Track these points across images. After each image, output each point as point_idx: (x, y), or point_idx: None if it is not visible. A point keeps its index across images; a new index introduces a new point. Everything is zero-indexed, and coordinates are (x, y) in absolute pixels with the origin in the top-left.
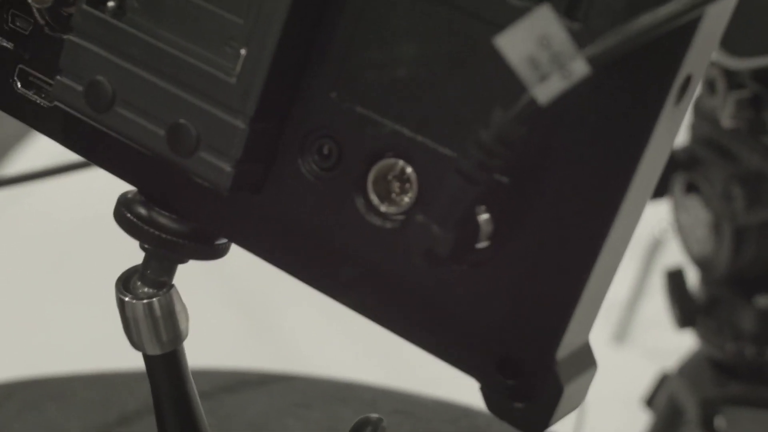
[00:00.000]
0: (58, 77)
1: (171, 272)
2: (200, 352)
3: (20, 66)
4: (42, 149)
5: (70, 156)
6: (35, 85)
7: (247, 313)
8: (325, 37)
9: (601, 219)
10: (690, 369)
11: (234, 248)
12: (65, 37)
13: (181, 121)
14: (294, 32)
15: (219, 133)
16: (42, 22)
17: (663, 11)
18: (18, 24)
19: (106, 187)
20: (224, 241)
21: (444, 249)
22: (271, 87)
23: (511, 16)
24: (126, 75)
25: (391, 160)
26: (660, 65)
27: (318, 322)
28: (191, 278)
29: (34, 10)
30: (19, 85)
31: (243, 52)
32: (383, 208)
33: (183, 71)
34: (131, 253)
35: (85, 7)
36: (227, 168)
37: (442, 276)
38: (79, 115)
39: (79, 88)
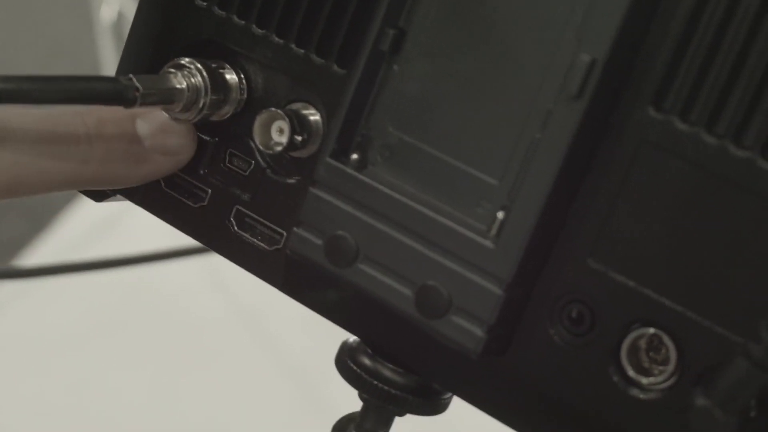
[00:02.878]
0: (296, 229)
1: (389, 424)
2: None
3: (237, 207)
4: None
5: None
6: (251, 227)
7: (297, 382)
8: (584, 201)
9: None
10: None
11: (278, 315)
12: (309, 189)
13: (431, 282)
14: (560, 197)
15: (473, 297)
16: (263, 164)
17: None
18: (236, 164)
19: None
20: (448, 395)
21: None
22: (531, 253)
23: None
24: (371, 232)
25: (648, 330)
26: None
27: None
28: (241, 348)
29: (256, 152)
30: (235, 226)
31: (500, 215)
32: (638, 378)
33: (433, 231)
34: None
35: (329, 160)
36: (479, 333)
37: None
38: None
39: (319, 241)
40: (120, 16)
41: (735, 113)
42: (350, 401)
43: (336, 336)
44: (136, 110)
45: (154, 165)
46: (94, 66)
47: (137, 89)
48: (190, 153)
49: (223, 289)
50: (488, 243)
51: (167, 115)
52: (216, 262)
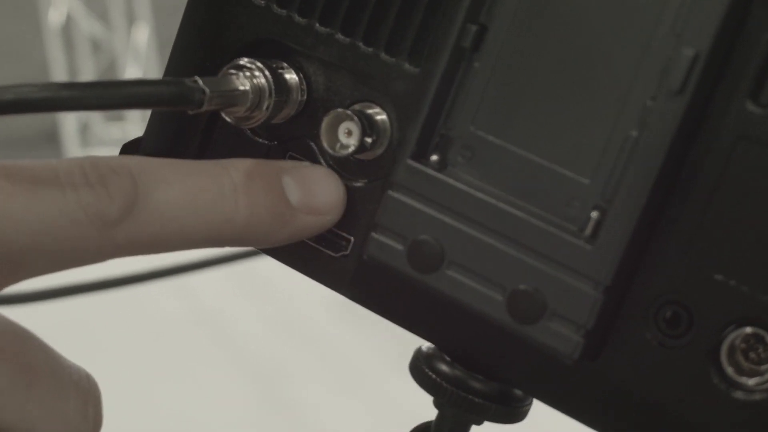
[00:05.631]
0: (374, 234)
1: None
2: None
3: None
4: None
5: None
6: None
7: (262, 386)
8: (679, 199)
9: None
10: None
11: (244, 320)
12: (388, 192)
13: (524, 286)
14: (658, 197)
15: (570, 301)
16: (327, 167)
17: None
18: None
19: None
20: (529, 402)
21: None
22: (629, 254)
23: None
24: (457, 235)
25: (749, 329)
26: None
27: (333, 396)
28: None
29: (319, 155)
30: None
31: (594, 214)
32: (740, 379)
33: (523, 232)
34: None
35: (410, 161)
36: (576, 338)
37: None
38: (398, 275)
39: (401, 246)
40: (68, 18)
41: None
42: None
43: (300, 341)
44: (283, 164)
45: (300, 225)
46: (42, 68)
47: (204, 92)
48: (340, 213)
49: (189, 296)
50: (584, 244)
51: (317, 171)
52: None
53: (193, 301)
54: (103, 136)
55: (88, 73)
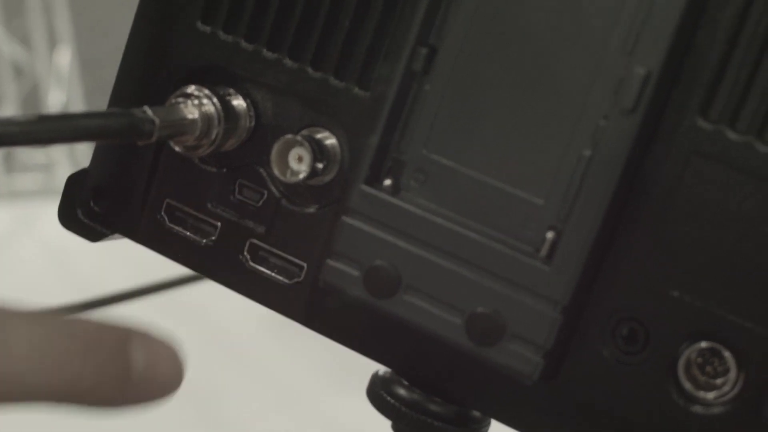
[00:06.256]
0: (330, 261)
1: None
2: None
3: (251, 240)
4: None
5: None
6: (267, 261)
7: (195, 406)
8: (631, 216)
9: None
10: None
11: (180, 340)
12: (342, 218)
13: (482, 309)
14: (612, 215)
15: (529, 322)
16: (278, 194)
17: None
18: (246, 195)
19: None
20: (486, 423)
21: None
22: (586, 273)
23: None
24: (414, 260)
25: (704, 344)
26: None
27: (267, 414)
28: None
29: (269, 182)
30: (249, 260)
31: (549, 235)
32: (698, 394)
33: (480, 255)
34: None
35: (363, 187)
36: (536, 359)
37: None
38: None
39: (357, 272)
40: None
41: None
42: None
43: (233, 358)
44: (131, 331)
45: (140, 396)
46: None
47: (153, 122)
48: (175, 390)
49: None
50: (541, 265)
51: (162, 342)
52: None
53: None
54: (27, 161)
55: (11, 98)
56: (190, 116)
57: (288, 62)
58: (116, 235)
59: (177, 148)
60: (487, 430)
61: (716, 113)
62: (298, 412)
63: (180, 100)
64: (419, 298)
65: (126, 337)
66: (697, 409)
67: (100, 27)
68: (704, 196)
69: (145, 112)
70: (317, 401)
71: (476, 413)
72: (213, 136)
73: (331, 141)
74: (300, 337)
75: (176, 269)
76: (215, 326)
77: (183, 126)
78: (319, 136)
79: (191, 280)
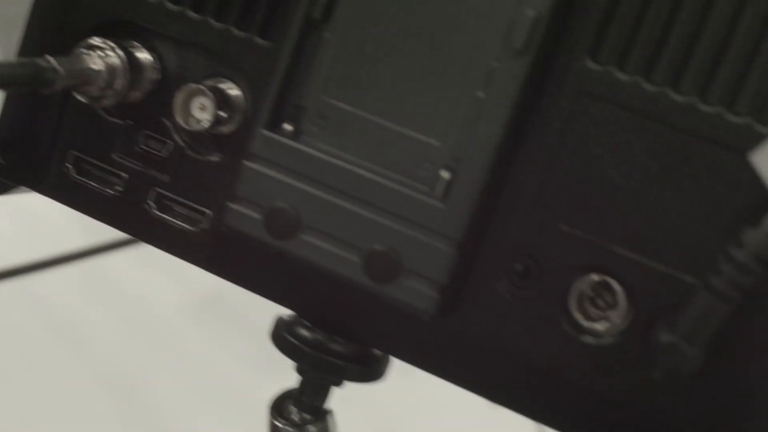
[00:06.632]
0: (232, 204)
1: (326, 396)
2: None
3: (156, 189)
4: None
5: None
6: (172, 209)
7: (118, 393)
8: (525, 155)
9: None
10: None
11: (95, 324)
12: (244, 163)
13: (379, 247)
14: (504, 154)
15: (424, 258)
16: (182, 144)
17: None
18: (152, 146)
19: None
20: (387, 362)
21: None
22: (480, 210)
23: (728, 132)
24: (312, 201)
25: (595, 277)
26: None
27: (191, 400)
28: (53, 359)
29: (174, 132)
30: (155, 209)
31: (446, 175)
32: (589, 325)
33: (377, 194)
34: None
35: (264, 131)
36: (432, 294)
37: (658, 389)
38: (259, 242)
39: (258, 215)
40: None
41: (672, 60)
42: (173, 406)
43: (156, 343)
44: None
45: None
46: None
47: (56, 71)
48: None
49: (32, 300)
50: (436, 203)
51: None
52: (28, 281)
53: (37, 305)
54: None
55: None
56: (94, 67)
57: (191, 14)
58: (24, 188)
59: (82, 99)
60: (386, 368)
61: (605, 55)
62: (223, 396)
63: (85, 51)
64: (318, 239)
65: None
66: (588, 339)
67: None
68: (594, 136)
69: (48, 61)
70: (241, 385)
71: (377, 352)
72: (117, 87)
73: (235, 91)
74: (221, 320)
75: (89, 239)
76: (134, 306)
77: (87, 76)
78: (222, 86)
79: (101, 250)
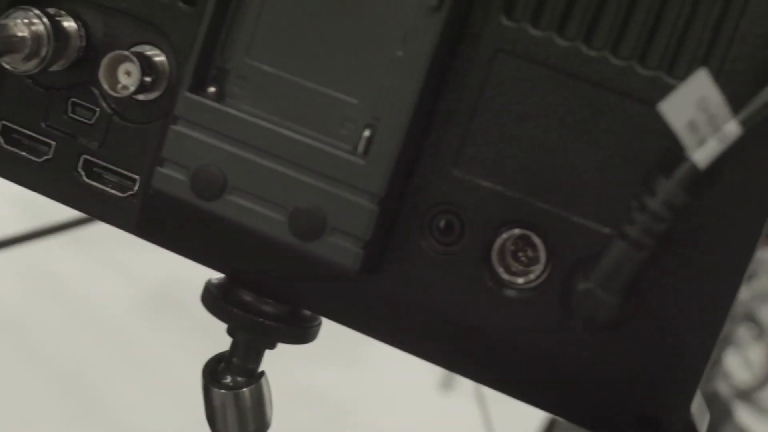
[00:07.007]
0: (159, 168)
1: (259, 359)
2: None
3: (85, 157)
4: None
5: None
6: (101, 176)
7: (67, 390)
8: (444, 113)
9: (733, 276)
10: None
11: (41, 322)
12: (170, 126)
13: (304, 205)
14: (423, 110)
15: (347, 215)
16: (109, 111)
17: None
18: (79, 113)
19: None
20: (318, 322)
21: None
22: (400, 166)
23: (639, 84)
24: (237, 161)
25: (516, 231)
26: None
27: (141, 394)
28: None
29: (101, 99)
30: (84, 176)
31: (366, 132)
32: (511, 279)
33: (300, 154)
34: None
35: (187, 94)
36: (356, 249)
37: (580, 341)
38: (187, 204)
39: (184, 177)
40: None
41: (584, 15)
42: (123, 401)
43: (104, 340)
44: None
45: None
46: None
47: None
48: None
49: None
50: (357, 160)
51: None
52: None
53: None
54: None
55: None
56: (19, 34)
57: None
58: None
59: (7, 66)
60: (318, 329)
61: (519, 12)
62: (173, 390)
63: (10, 19)
64: (244, 199)
65: None
66: (510, 293)
67: None
68: (511, 91)
69: None
70: (191, 379)
71: (306, 312)
72: (43, 54)
73: (160, 58)
74: (167, 315)
75: (26, 225)
76: (81, 302)
77: (12, 43)
78: (149, 53)
79: (35, 235)
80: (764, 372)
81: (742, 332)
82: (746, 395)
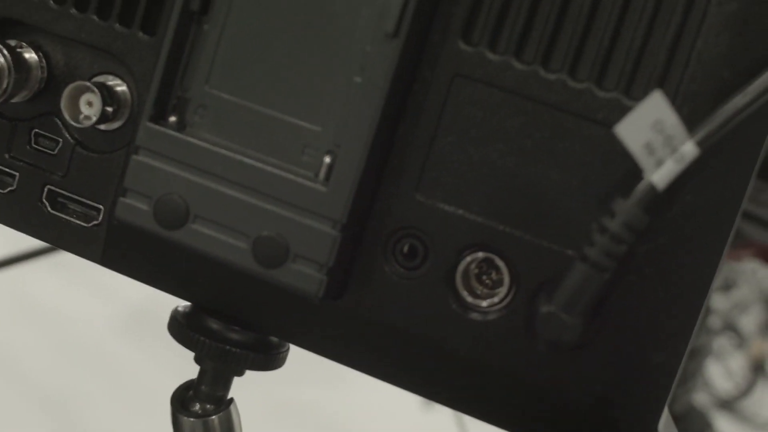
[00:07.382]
0: (122, 198)
1: (228, 386)
2: None
3: (49, 187)
4: None
5: None
6: (65, 206)
7: (52, 415)
8: (404, 137)
9: (698, 293)
10: None
11: (23, 347)
12: (132, 156)
13: (266, 233)
14: (383, 136)
15: (310, 242)
16: (72, 141)
17: (751, 89)
18: (42, 144)
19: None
20: (285, 348)
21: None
22: (361, 192)
23: (597, 107)
24: (200, 190)
25: (479, 254)
26: (746, 143)
27: (125, 417)
28: None
29: (64, 130)
30: (48, 207)
31: (327, 159)
32: (475, 302)
33: (261, 181)
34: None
35: (149, 124)
36: (320, 276)
37: (545, 362)
38: (152, 234)
39: (146, 207)
40: None
41: (541, 39)
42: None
43: (86, 363)
44: None
45: None
46: None
47: None
48: None
49: None
50: (319, 187)
51: None
52: None
53: None
54: None
55: None
56: None
57: (74, 12)
58: None
59: None
60: (286, 355)
61: (476, 36)
62: (156, 412)
63: None
64: (207, 227)
65: None
66: (475, 316)
67: None
68: (469, 116)
69: None
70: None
71: (274, 339)
72: (4, 86)
73: (121, 87)
74: (147, 337)
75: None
76: (62, 327)
77: None
78: (110, 82)
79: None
80: (746, 381)
81: (723, 342)
82: (728, 405)
